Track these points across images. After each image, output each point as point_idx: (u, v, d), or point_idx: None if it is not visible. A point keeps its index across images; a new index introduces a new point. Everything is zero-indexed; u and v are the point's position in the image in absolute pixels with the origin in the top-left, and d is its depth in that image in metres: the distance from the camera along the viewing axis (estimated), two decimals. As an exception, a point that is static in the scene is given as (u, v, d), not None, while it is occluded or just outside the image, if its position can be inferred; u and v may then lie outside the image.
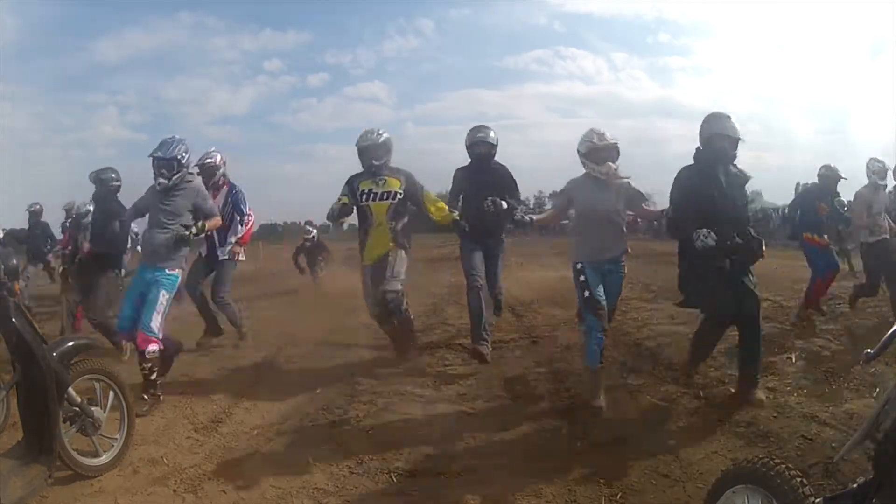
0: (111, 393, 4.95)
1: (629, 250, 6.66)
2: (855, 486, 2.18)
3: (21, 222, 13.65)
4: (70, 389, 4.47)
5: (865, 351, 2.25)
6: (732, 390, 6.00)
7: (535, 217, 7.14)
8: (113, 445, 4.91)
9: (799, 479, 2.36)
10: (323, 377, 7.56)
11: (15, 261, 5.66)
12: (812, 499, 2.24)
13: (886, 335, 2.27)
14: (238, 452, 5.40)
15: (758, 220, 35.07)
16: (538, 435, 5.41)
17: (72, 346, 4.68)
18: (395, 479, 4.76)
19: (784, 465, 2.47)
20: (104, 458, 4.82)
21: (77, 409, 4.58)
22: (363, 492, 4.60)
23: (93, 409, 4.70)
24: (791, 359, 7.02)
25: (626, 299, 12.03)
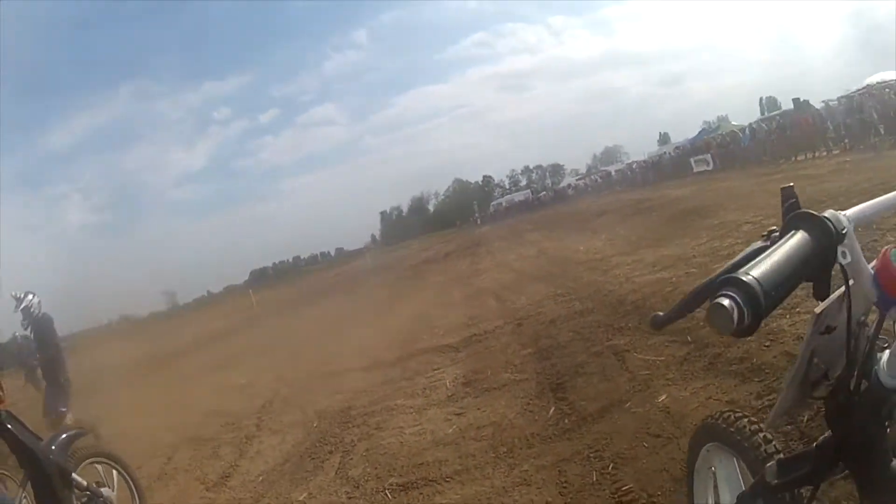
0: (114, 472, 5.05)
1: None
2: (814, 445, 1.94)
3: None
4: (75, 476, 4.55)
5: (654, 314, 1.99)
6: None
7: None
8: None
9: (762, 435, 2.13)
10: (319, 410, 7.62)
11: None
12: (770, 460, 2.01)
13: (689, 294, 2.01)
14: (246, 502, 5.55)
15: (727, 144, 35.09)
16: (526, 420, 5.24)
17: (66, 437, 4.78)
18: (389, 495, 4.74)
19: (746, 419, 2.23)
20: None
21: (88, 493, 4.67)
22: (360, 514, 4.59)
23: (102, 490, 4.79)
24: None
25: (607, 258, 11.98)
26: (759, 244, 1.68)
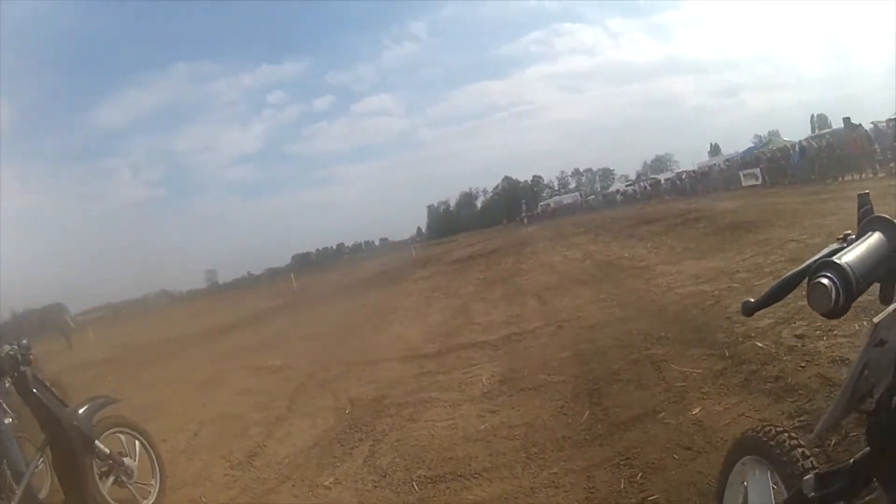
0: (137, 443, 5.18)
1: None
2: (851, 462, 1.99)
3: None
4: (98, 444, 4.72)
5: (745, 300, 2.04)
6: (759, 345, 5.79)
7: None
8: (151, 491, 5.16)
9: (801, 450, 2.18)
10: (352, 397, 7.67)
11: (26, 340, 5.94)
12: (807, 474, 2.06)
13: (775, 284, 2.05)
14: (270, 482, 5.61)
15: (777, 159, 34.58)
16: (559, 423, 5.28)
17: (93, 405, 4.94)
18: (416, 487, 4.79)
19: (786, 434, 2.29)
20: None
21: (109, 461, 4.81)
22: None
23: (123, 459, 4.92)
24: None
25: (651, 266, 11.95)
26: (835, 245, 1.76)
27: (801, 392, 4.66)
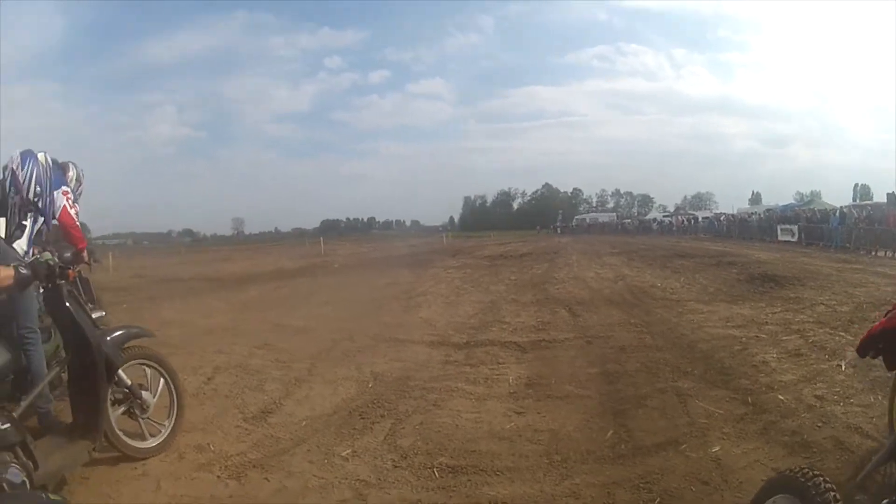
0: (161, 380, 5.26)
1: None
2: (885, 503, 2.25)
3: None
4: (120, 372, 4.79)
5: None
6: (780, 398, 6.03)
7: None
8: (161, 431, 5.21)
9: (833, 494, 2.43)
10: (376, 372, 7.74)
11: (69, 253, 5.94)
12: None
13: None
14: (284, 442, 5.56)
15: (816, 220, 34.39)
16: (584, 436, 5.45)
17: (124, 333, 4.98)
18: (437, 473, 4.85)
19: (822, 478, 2.54)
20: (151, 443, 5.10)
21: (126, 391, 4.87)
22: (405, 485, 4.68)
23: (142, 392, 4.98)
24: (840, 366, 6.95)
25: (683, 301, 12.08)
26: None
27: (814, 450, 4.90)
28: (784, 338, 8.62)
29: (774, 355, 7.57)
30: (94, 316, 4.91)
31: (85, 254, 6.24)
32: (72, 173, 6.56)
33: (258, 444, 5.48)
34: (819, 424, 5.40)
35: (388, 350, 8.99)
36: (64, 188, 6.06)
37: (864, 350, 2.86)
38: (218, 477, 4.84)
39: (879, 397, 5.82)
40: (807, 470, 2.62)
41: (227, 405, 6.55)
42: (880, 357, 3.11)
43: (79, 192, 6.59)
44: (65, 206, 5.97)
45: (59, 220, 5.91)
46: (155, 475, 4.81)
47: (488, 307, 12.89)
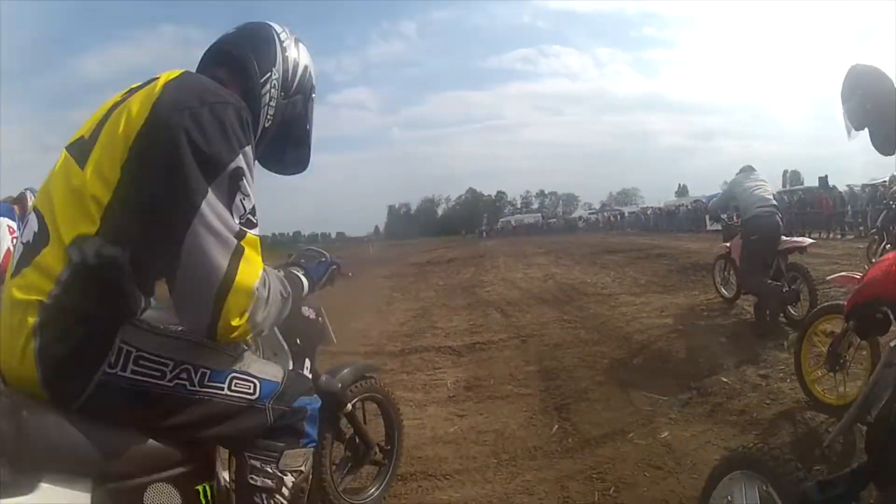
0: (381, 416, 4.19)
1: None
2: (849, 469, 2.16)
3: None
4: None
5: None
6: (725, 380, 5.98)
7: None
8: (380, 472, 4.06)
9: (793, 463, 2.32)
10: None
11: None
12: (807, 483, 2.20)
13: None
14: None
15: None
16: (529, 433, 5.33)
17: (354, 370, 3.91)
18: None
19: (778, 450, 2.43)
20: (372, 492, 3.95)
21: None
22: (351, 495, 4.44)
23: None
24: (783, 345, 6.91)
25: (615, 294, 12.10)
26: None
27: (765, 426, 4.86)
28: (723, 322, 8.67)
29: (714, 340, 7.52)
30: None
31: None
32: (30, 203, 6.12)
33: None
34: (767, 402, 5.36)
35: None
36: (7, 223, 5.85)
37: (854, 314, 2.74)
38: None
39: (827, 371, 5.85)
40: (761, 444, 2.51)
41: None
42: (851, 322, 2.99)
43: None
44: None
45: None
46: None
47: (419, 314, 12.72)
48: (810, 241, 8.71)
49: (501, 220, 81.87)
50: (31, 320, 1.76)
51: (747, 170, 8.79)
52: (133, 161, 1.79)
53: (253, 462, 2.10)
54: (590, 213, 65.95)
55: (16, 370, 1.80)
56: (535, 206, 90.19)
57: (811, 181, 47.65)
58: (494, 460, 4.82)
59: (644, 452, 4.63)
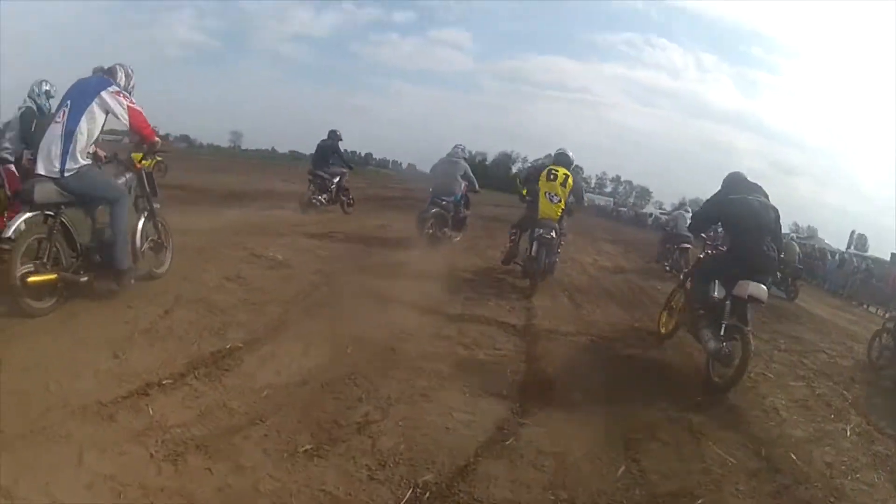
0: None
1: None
2: None
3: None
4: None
5: None
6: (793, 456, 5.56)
7: None
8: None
9: None
10: (357, 333, 6.83)
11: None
12: None
13: None
14: (238, 417, 4.71)
15: (813, 257, 34.06)
16: (593, 469, 4.79)
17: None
18: (420, 494, 4.06)
19: None
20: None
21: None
22: (379, 505, 3.92)
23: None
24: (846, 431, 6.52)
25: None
26: None
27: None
28: (792, 384, 8.09)
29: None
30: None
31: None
32: (120, 73, 6.98)
33: (206, 415, 4.63)
34: (831, 500, 4.94)
35: (374, 308, 8.09)
36: (112, 88, 6.58)
37: None
38: (151, 455, 4.00)
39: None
40: None
41: (179, 351, 5.68)
42: None
43: (131, 87, 7.05)
44: (129, 106, 6.62)
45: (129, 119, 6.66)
46: (78, 441, 3.99)
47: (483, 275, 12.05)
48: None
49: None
50: None
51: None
52: None
53: None
54: (661, 213, 64.38)
55: None
56: (609, 189, 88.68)
57: (875, 250, 46.98)
58: (552, 496, 4.28)
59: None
